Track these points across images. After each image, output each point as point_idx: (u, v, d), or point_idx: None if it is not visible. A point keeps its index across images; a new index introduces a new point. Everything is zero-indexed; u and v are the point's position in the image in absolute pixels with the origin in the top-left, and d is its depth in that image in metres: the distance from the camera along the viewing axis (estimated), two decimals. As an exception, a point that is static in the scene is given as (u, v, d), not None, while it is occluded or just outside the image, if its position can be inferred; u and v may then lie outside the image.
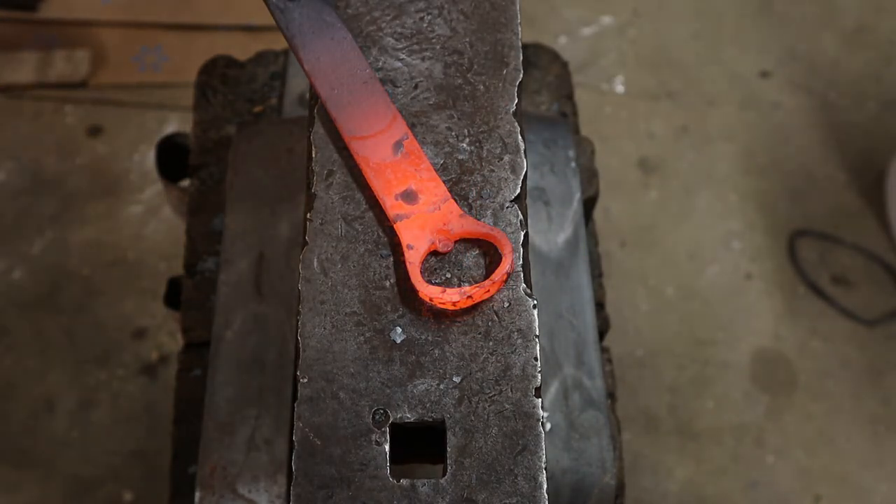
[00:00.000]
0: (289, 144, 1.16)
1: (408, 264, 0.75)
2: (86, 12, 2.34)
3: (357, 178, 0.79)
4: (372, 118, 0.80)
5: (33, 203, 2.19)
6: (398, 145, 0.79)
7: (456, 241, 0.77)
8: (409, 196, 0.77)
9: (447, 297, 0.74)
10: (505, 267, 0.74)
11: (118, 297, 2.10)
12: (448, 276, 0.76)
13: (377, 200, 0.78)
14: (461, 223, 0.76)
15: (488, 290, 0.74)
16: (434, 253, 0.76)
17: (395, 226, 0.76)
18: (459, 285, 0.76)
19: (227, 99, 1.31)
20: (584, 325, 1.11)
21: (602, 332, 1.18)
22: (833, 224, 2.24)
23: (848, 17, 2.51)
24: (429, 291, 0.74)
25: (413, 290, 0.75)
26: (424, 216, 0.77)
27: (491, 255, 0.76)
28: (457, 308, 0.74)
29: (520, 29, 0.85)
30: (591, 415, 1.06)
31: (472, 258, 0.77)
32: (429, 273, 0.76)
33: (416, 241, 0.76)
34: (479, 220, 0.77)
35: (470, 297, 0.74)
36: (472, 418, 0.72)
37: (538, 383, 0.73)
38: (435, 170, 0.79)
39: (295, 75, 1.31)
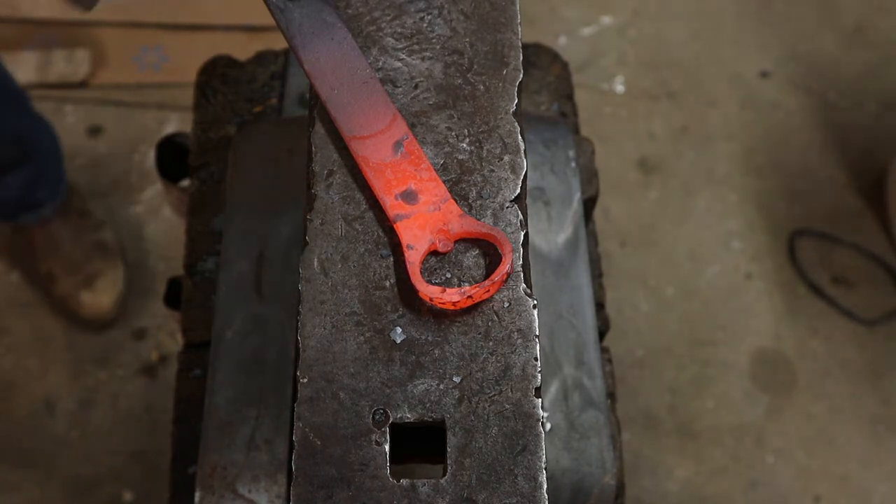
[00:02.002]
0: (289, 144, 1.16)
1: (408, 264, 0.75)
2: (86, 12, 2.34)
3: (357, 178, 0.79)
4: (372, 118, 0.80)
5: (33, 203, 2.18)
6: (398, 145, 0.79)
7: (456, 241, 0.77)
8: (408, 196, 0.77)
9: (447, 297, 0.73)
10: (505, 267, 0.74)
11: (118, 297, 2.10)
12: (448, 275, 0.76)
13: (377, 200, 0.78)
14: (461, 223, 0.76)
15: (488, 290, 0.74)
16: (434, 253, 0.76)
17: (394, 226, 0.76)
18: (460, 285, 0.75)
19: (227, 99, 1.31)
20: (584, 325, 1.11)
21: (602, 332, 1.17)
22: (833, 224, 2.24)
23: (848, 17, 2.51)
24: (429, 291, 0.74)
25: (413, 290, 0.75)
26: (424, 216, 0.76)
27: (491, 255, 0.76)
28: (457, 308, 0.74)
29: (520, 29, 0.85)
30: (591, 415, 1.06)
31: (472, 258, 0.77)
32: (429, 273, 0.76)
33: (416, 241, 0.76)
34: (479, 220, 0.77)
35: (470, 296, 0.73)
36: (472, 418, 0.72)
37: (538, 383, 0.73)
38: (435, 170, 0.79)
39: (295, 75, 1.31)
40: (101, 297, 2.00)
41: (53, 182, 1.95)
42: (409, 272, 0.75)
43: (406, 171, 0.78)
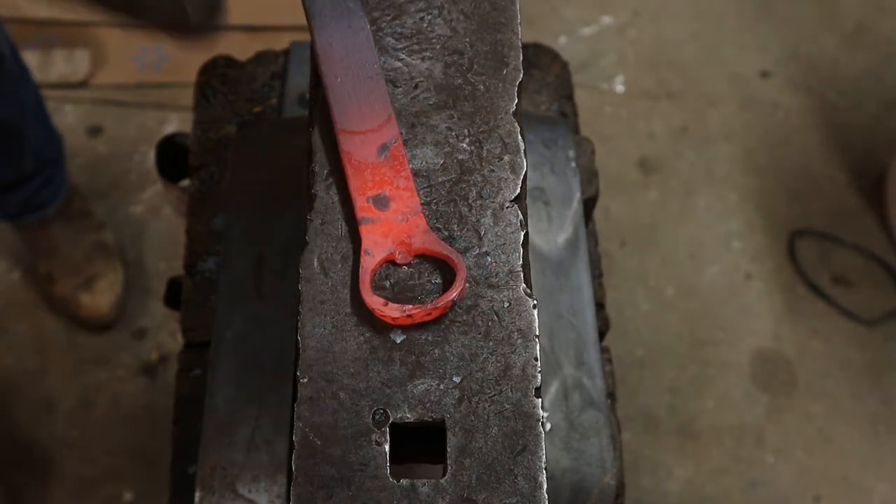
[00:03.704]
0: (289, 144, 1.16)
1: (360, 269, 0.74)
2: (86, 12, 2.34)
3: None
4: (367, 115, 0.79)
5: (33, 203, 2.18)
6: (384, 148, 0.78)
7: (415, 256, 0.76)
8: (380, 201, 0.76)
9: (388, 311, 0.72)
10: (452, 293, 0.73)
11: (118, 297, 2.10)
12: (437, 280, 0.76)
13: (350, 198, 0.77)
14: (424, 239, 0.75)
15: (429, 314, 0.73)
16: (392, 263, 0.76)
17: (359, 228, 0.76)
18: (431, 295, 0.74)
19: (227, 99, 1.31)
20: (584, 325, 1.11)
21: (602, 332, 1.17)
22: (833, 224, 2.24)
23: (848, 17, 2.51)
24: (372, 301, 0.73)
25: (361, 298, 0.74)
26: (390, 224, 0.75)
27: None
28: (397, 324, 0.73)
29: (520, 29, 0.85)
30: (591, 415, 1.06)
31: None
32: (418, 271, 0.75)
33: (375, 247, 0.75)
34: (478, 220, 0.77)
35: (410, 315, 0.72)
36: (472, 418, 0.72)
37: (538, 383, 0.73)
38: (435, 170, 0.79)
39: (295, 75, 1.31)
40: (99, 298, 2.00)
41: (57, 183, 1.95)
42: (360, 278, 0.73)
43: (385, 175, 0.77)
